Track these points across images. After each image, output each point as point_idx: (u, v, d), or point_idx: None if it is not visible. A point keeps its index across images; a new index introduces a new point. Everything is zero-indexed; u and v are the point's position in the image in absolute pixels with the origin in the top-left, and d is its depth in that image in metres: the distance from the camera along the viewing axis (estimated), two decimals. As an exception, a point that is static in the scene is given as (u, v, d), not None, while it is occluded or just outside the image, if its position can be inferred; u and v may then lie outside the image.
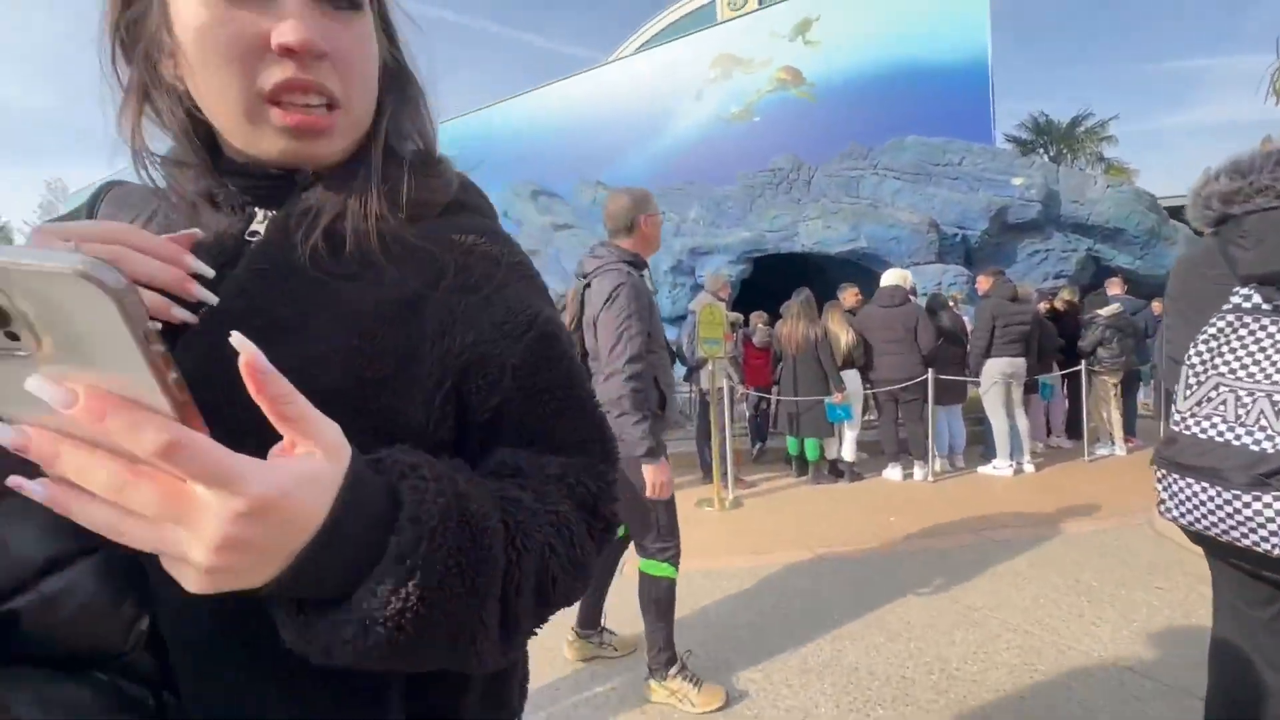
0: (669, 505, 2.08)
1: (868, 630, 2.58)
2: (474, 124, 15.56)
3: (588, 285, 2.08)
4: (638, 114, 14.35)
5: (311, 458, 0.32)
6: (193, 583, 0.29)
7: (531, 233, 13.59)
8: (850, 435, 5.15)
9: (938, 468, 5.16)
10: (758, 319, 6.16)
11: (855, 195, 10.58)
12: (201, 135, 0.49)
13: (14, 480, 0.28)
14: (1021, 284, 5.62)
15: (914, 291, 5.41)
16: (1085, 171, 13.48)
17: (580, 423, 0.53)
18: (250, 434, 0.31)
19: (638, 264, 2.11)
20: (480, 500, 0.40)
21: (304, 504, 0.31)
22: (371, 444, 0.39)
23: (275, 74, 0.44)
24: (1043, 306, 6.09)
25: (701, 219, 11.96)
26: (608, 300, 1.96)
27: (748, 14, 14.89)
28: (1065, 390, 6.12)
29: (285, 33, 0.43)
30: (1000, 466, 5.08)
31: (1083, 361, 5.66)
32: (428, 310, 0.49)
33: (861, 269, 9.51)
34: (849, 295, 5.61)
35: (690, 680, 2.13)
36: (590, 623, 2.47)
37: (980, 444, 5.72)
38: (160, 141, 0.51)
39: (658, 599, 2.13)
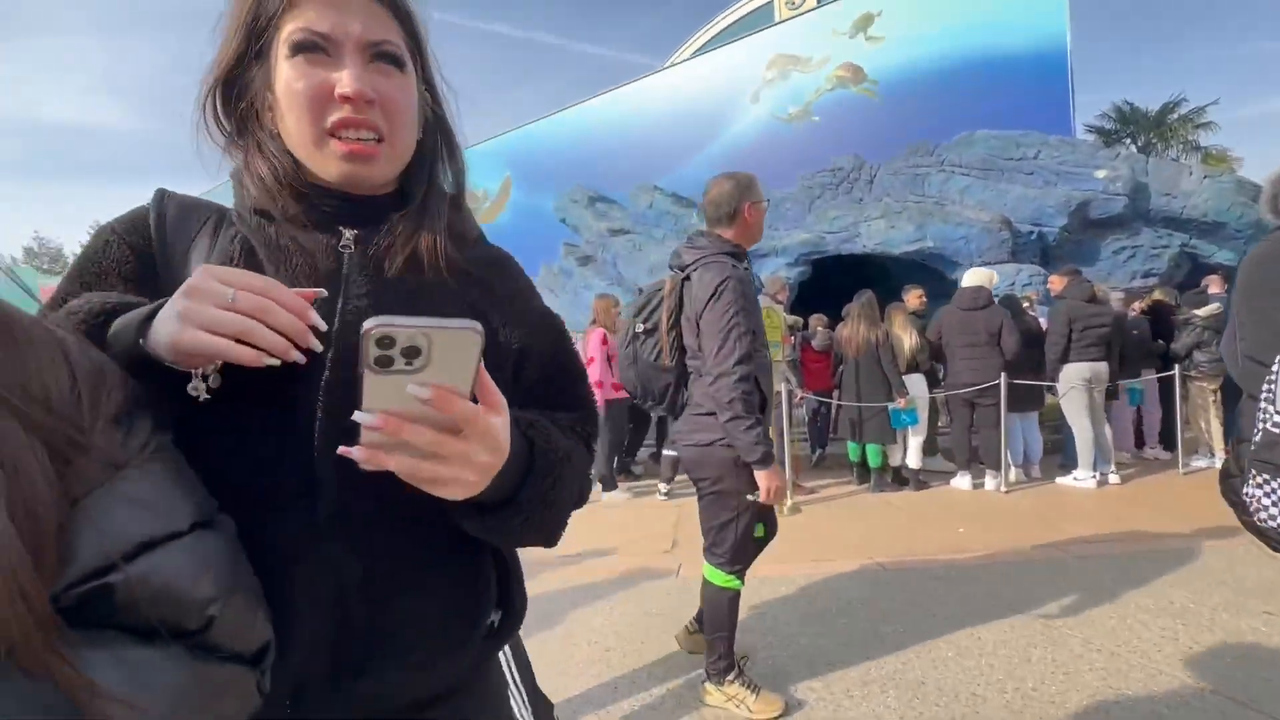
0: (749, 522, 2.00)
1: (934, 643, 2.47)
2: (533, 134, 15.96)
3: (686, 278, 1.98)
4: (694, 118, 14.34)
5: (501, 417, 0.52)
6: (459, 494, 0.51)
7: (589, 238, 13.81)
8: (915, 442, 4.96)
9: (1012, 478, 4.89)
10: (817, 322, 6.03)
11: (920, 194, 10.20)
12: (294, 173, 0.63)
13: (342, 449, 0.46)
14: (1097, 284, 5.25)
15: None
16: (1179, 162, 12.48)
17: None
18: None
19: (739, 255, 1.98)
20: (560, 441, 0.65)
21: (508, 446, 0.53)
22: None
23: (336, 114, 0.59)
24: (1136, 307, 5.68)
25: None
26: (712, 296, 1.85)
27: (806, 12, 14.64)
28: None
29: (344, 84, 0.58)
30: (1082, 477, 4.76)
31: (1177, 367, 5.24)
32: (486, 312, 0.67)
33: (927, 270, 9.16)
34: (913, 297, 5.42)
35: (748, 686, 2.08)
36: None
37: (1057, 454, 5.39)
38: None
39: (720, 607, 2.07)
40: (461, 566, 0.64)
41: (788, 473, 4.66)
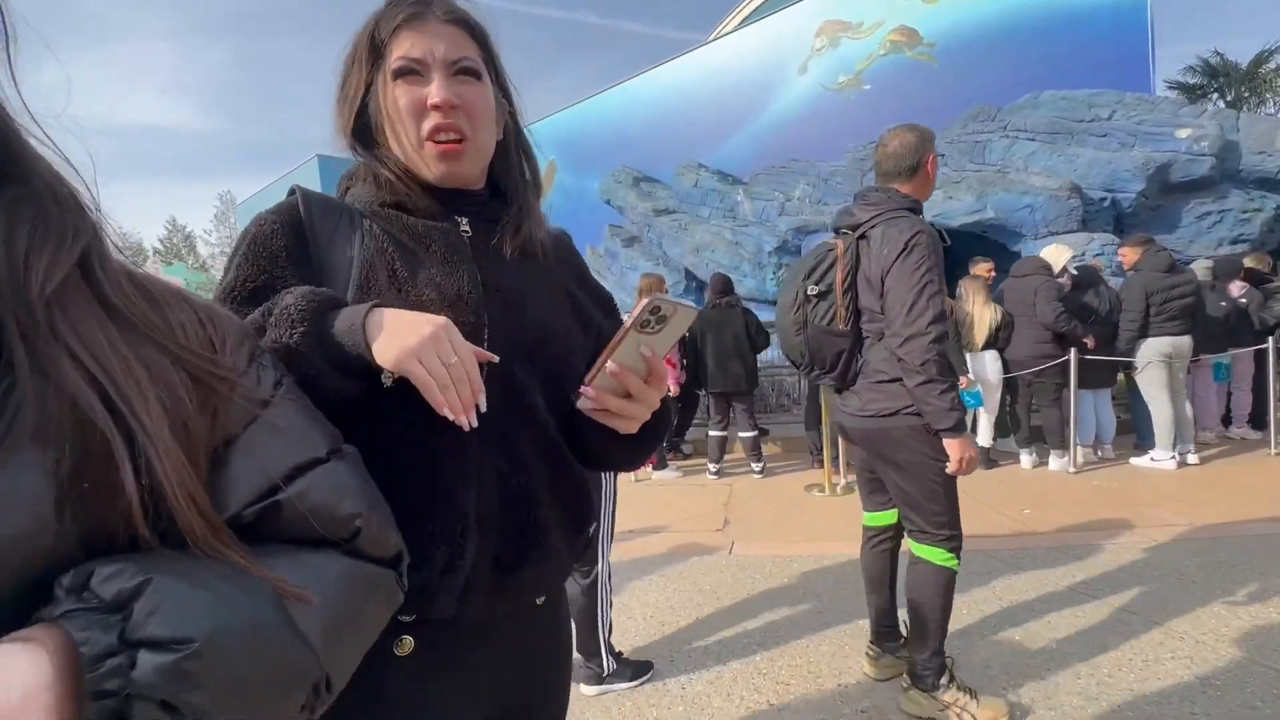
0: (953, 486, 1.84)
1: (1000, 626, 2.39)
2: (577, 115, 15.89)
3: (862, 236, 1.85)
4: (739, 93, 13.95)
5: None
6: (633, 429, 0.72)
7: (634, 218, 13.75)
8: (985, 420, 4.78)
9: (1081, 458, 4.66)
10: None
11: (981, 161, 9.69)
12: (413, 175, 0.76)
13: (582, 389, 0.68)
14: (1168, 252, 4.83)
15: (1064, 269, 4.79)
16: (1276, 117, 11.41)
17: None
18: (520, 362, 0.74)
19: (918, 210, 1.86)
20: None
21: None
22: (576, 358, 0.80)
23: (429, 121, 0.72)
24: (1236, 283, 5.23)
25: (808, 197, 11.51)
26: (903, 252, 1.72)
27: (857, -25, 13.96)
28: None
29: (433, 95, 0.71)
30: (1160, 458, 4.49)
31: (1271, 340, 4.85)
32: (574, 290, 0.86)
33: (989, 242, 8.73)
34: (982, 268, 5.03)
35: (966, 691, 1.86)
36: (889, 634, 2.13)
37: (1129, 434, 5.09)
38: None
39: (938, 592, 1.83)
40: (575, 484, 0.80)
41: (840, 452, 4.57)
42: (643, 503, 4.51)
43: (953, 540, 1.84)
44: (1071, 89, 9.52)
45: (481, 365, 0.68)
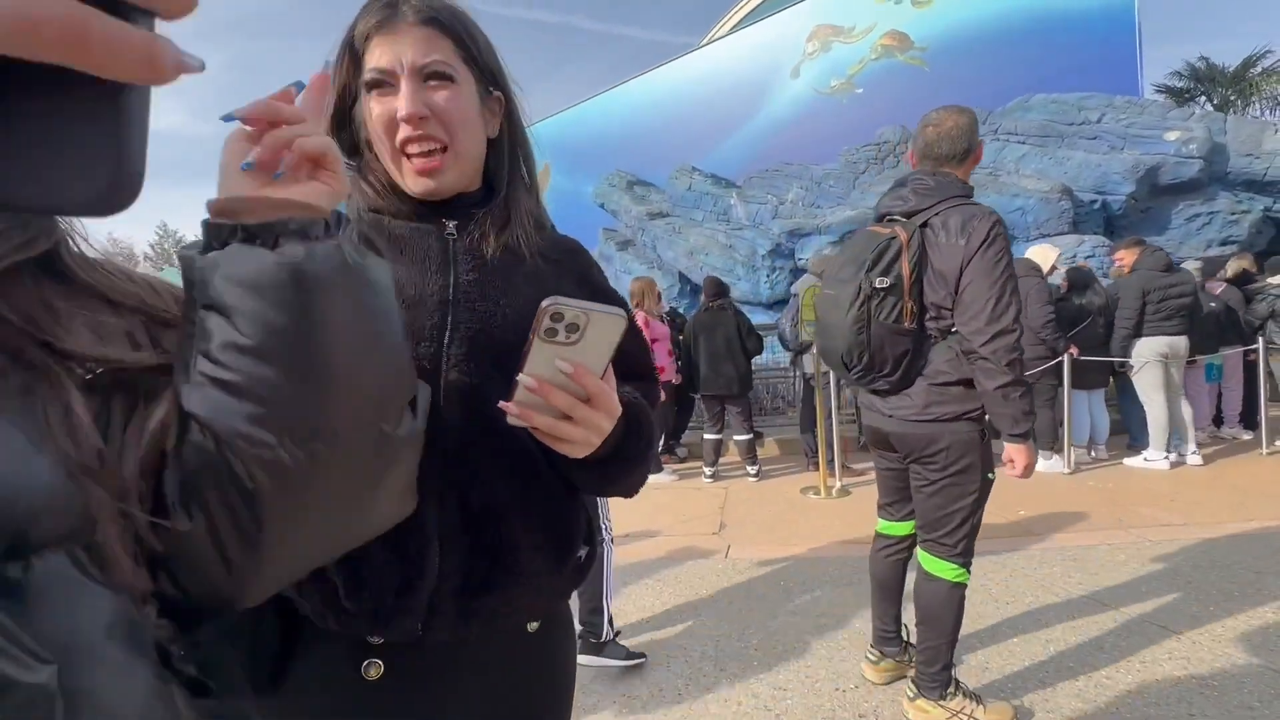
0: (984, 502, 1.79)
1: (997, 628, 2.39)
2: (571, 119, 15.91)
3: (925, 225, 1.72)
4: (732, 97, 14.02)
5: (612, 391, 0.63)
6: (579, 453, 0.64)
7: (628, 222, 13.77)
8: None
9: (1075, 458, 4.67)
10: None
11: (972, 164, 9.74)
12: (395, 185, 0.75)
13: (502, 404, 0.59)
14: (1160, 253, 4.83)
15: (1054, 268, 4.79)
16: (1262, 119, 11.54)
17: (646, 359, 0.90)
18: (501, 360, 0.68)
19: (972, 198, 1.76)
20: (647, 411, 0.76)
21: (619, 414, 0.65)
22: None
23: (402, 133, 0.69)
24: (1220, 277, 5.26)
25: (800, 200, 11.54)
26: (986, 242, 1.61)
27: (848, -21, 14.06)
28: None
29: (400, 108, 0.68)
30: (1154, 458, 4.51)
31: (1260, 340, 4.88)
32: (568, 290, 0.74)
33: (981, 244, 8.77)
34: None
35: (971, 697, 1.84)
36: (892, 639, 2.09)
37: (1122, 434, 5.11)
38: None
39: (949, 607, 1.80)
40: (560, 505, 0.76)
41: (835, 455, 4.57)
42: (638, 506, 4.49)
43: (967, 556, 1.81)
44: (1061, 92, 9.62)
45: (439, 372, 0.67)
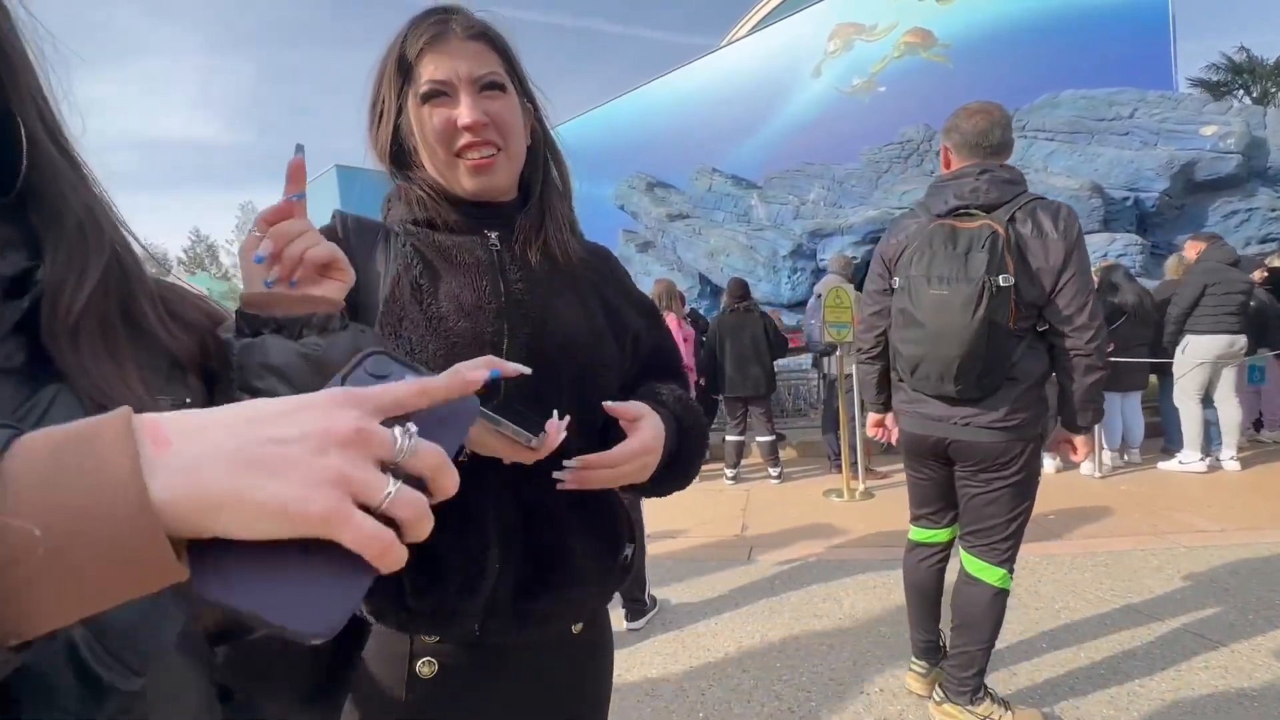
0: (1031, 508, 1.77)
1: (1025, 634, 2.35)
2: (590, 122, 16.00)
3: (1011, 219, 1.62)
4: (752, 97, 13.96)
5: (648, 421, 0.73)
6: (643, 478, 0.73)
7: (648, 224, 13.79)
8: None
9: (1108, 462, 4.56)
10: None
11: (999, 162, 9.56)
12: (444, 192, 0.78)
13: (560, 484, 0.69)
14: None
15: None
16: (1304, 112, 11.13)
17: (677, 361, 0.94)
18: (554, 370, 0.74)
19: None
20: (697, 413, 0.83)
21: (659, 444, 0.73)
22: (606, 368, 0.80)
23: (461, 140, 0.73)
24: (1256, 276, 5.10)
25: (822, 200, 11.46)
26: (1079, 236, 1.58)
27: (870, -23, 13.91)
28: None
29: (463, 116, 0.72)
30: (1189, 461, 4.38)
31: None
32: (605, 294, 0.84)
33: (1007, 243, 8.60)
34: None
35: (1000, 704, 1.82)
36: (936, 649, 2.03)
37: (1158, 436, 4.98)
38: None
39: (992, 611, 1.76)
40: (604, 508, 0.80)
41: (859, 457, 4.53)
42: (660, 507, 4.50)
43: (1012, 562, 1.77)
44: (1091, 88, 9.39)
45: (504, 380, 0.68)
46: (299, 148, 0.54)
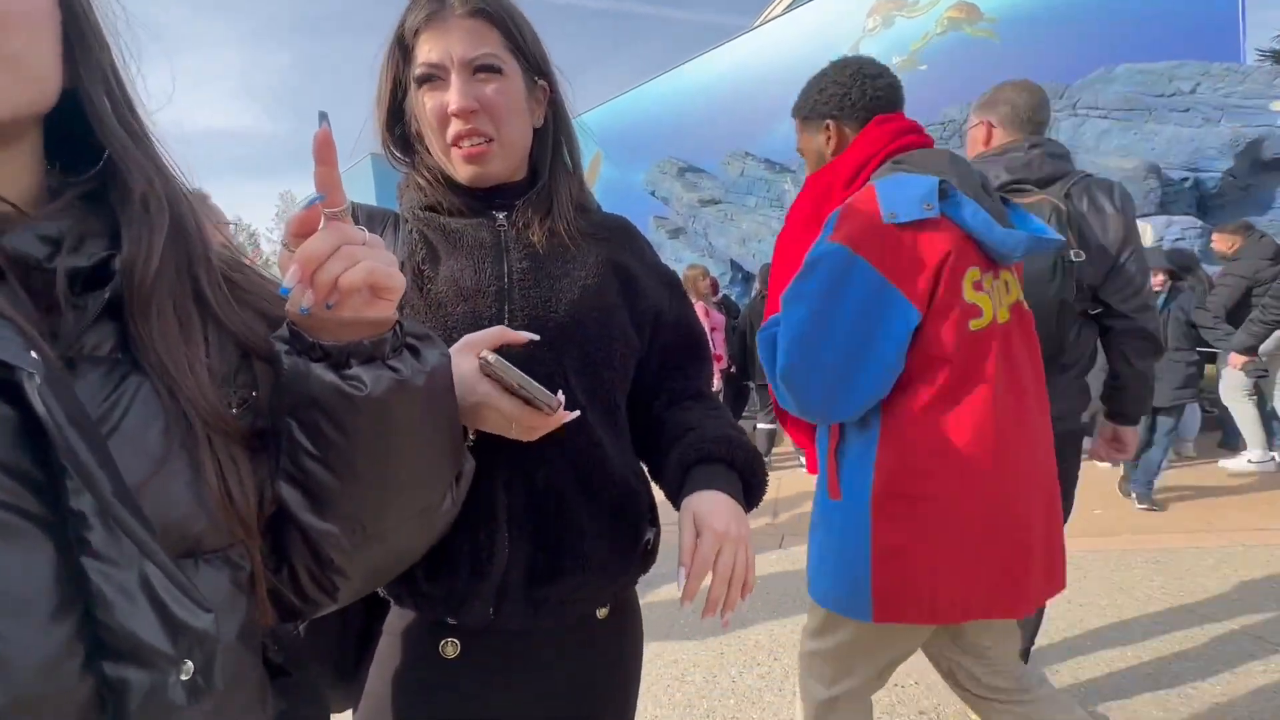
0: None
1: (1069, 632, 2.28)
2: (621, 107, 15.87)
3: (1067, 195, 1.54)
4: (787, 78, 13.56)
5: (705, 538, 0.69)
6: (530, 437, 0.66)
7: (679, 210, 13.68)
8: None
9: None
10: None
11: (1047, 142, 9.16)
12: (446, 176, 0.77)
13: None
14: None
15: None
16: (1386, 83, 10.35)
17: (704, 350, 0.91)
18: (567, 348, 0.73)
19: None
20: (740, 440, 0.79)
21: (731, 521, 0.71)
22: (620, 342, 0.77)
23: (453, 128, 0.71)
24: None
25: (859, 184, 11.15)
26: (1134, 213, 1.53)
27: (912, -50, 13.38)
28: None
29: (451, 103, 0.69)
30: (1260, 460, 4.15)
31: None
32: (616, 267, 0.80)
33: (1055, 227, 8.27)
34: None
35: None
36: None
37: (1216, 431, 4.75)
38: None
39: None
40: (620, 491, 0.77)
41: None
42: (690, 495, 4.50)
43: None
44: (1150, 61, 8.89)
45: (511, 348, 0.67)
46: (322, 116, 0.51)
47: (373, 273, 0.44)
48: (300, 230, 0.45)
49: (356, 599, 0.55)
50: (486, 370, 0.60)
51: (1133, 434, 1.67)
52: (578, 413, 0.63)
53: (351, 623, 0.78)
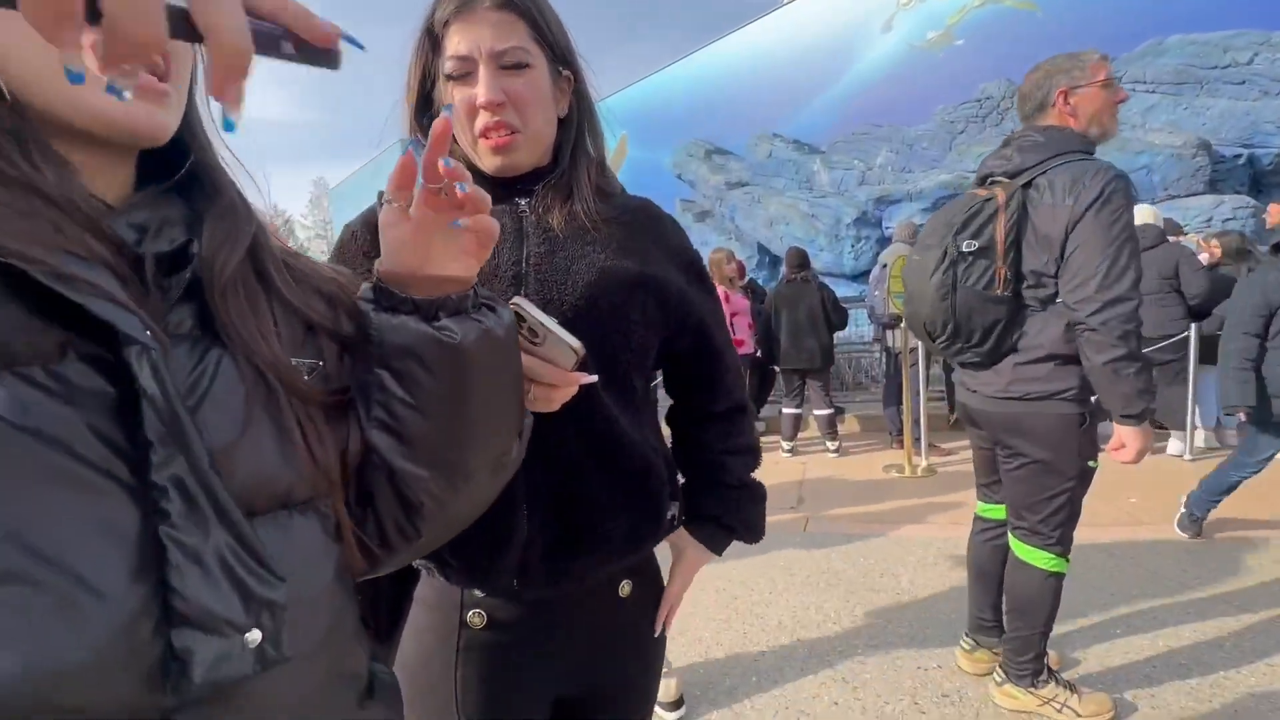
0: (1083, 491, 1.67)
1: (1099, 620, 2.26)
2: (647, 89, 15.69)
3: (1029, 184, 1.59)
4: (817, 56, 13.29)
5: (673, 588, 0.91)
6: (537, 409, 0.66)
7: (705, 192, 13.56)
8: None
9: (1200, 443, 4.24)
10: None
11: (1090, 119, 8.80)
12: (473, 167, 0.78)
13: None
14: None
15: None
16: None
17: (729, 359, 0.92)
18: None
19: (1091, 152, 1.59)
20: (740, 501, 0.96)
21: (694, 570, 0.92)
22: (637, 325, 0.78)
23: (481, 120, 0.73)
24: None
25: (890, 164, 10.92)
26: (1099, 200, 1.46)
27: (950, -81, 12.84)
28: None
29: (479, 96, 0.72)
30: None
31: None
32: (636, 250, 0.81)
33: (1096, 207, 7.97)
34: None
35: (1067, 687, 1.76)
36: (990, 629, 1.98)
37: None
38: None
39: (1043, 596, 1.69)
40: (641, 466, 0.79)
41: (922, 433, 4.39)
42: (714, 478, 4.53)
43: (1064, 544, 1.68)
44: (1203, 31, 8.44)
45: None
46: (412, 143, 0.54)
47: (494, 226, 0.51)
48: (402, 182, 0.49)
49: (432, 549, 0.58)
50: (516, 310, 0.62)
51: (1132, 434, 1.55)
52: (595, 378, 0.65)
53: (384, 592, 0.82)
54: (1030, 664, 1.74)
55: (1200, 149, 7.53)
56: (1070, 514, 1.66)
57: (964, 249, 1.63)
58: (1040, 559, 1.69)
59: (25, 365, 0.31)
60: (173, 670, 0.33)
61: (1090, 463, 1.64)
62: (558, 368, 0.63)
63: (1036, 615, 1.71)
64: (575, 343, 0.62)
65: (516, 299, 0.62)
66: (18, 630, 0.28)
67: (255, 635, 0.36)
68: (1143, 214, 4.29)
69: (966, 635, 2.03)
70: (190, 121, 0.45)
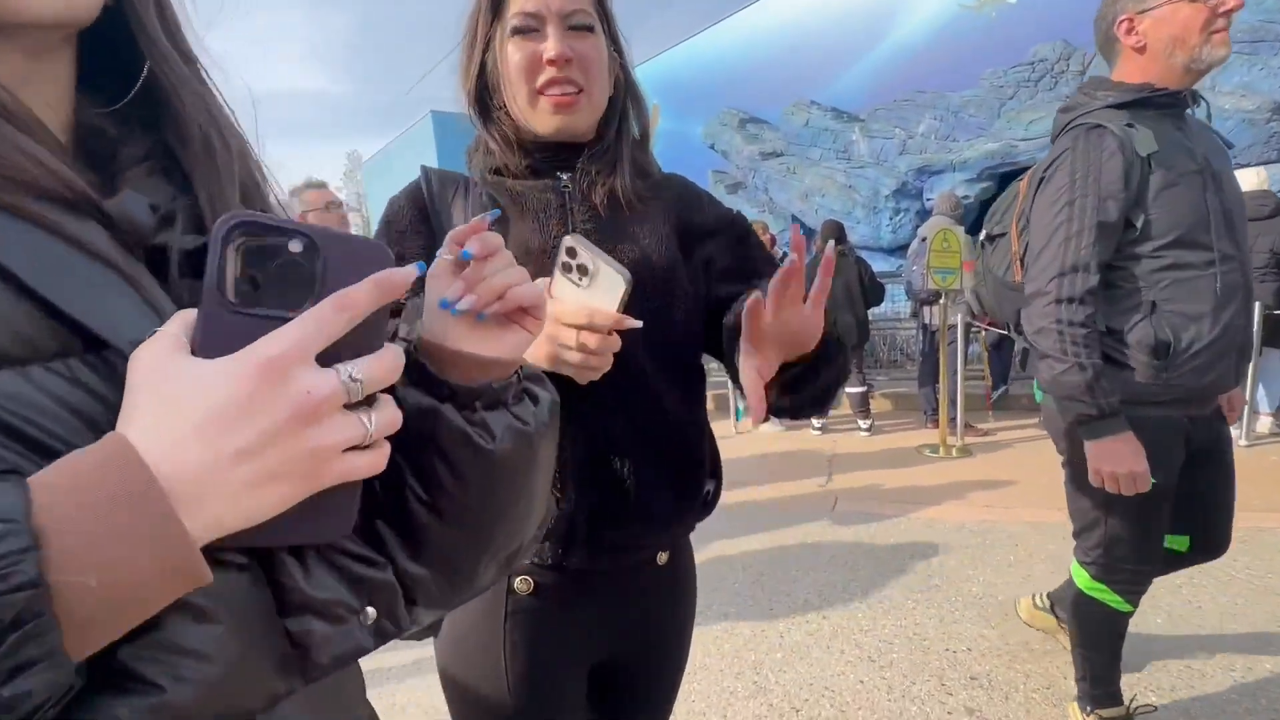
0: (1130, 509, 1.36)
1: (1141, 610, 2.19)
2: (679, 57, 15.29)
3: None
4: (857, 19, 12.71)
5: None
6: (582, 378, 0.68)
7: (739, 163, 13.27)
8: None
9: (1261, 428, 4.05)
10: (1003, 245, 5.29)
11: (1152, 82, 8.26)
12: (521, 138, 0.80)
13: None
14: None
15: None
16: None
17: (761, 260, 0.89)
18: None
19: (1149, 103, 1.27)
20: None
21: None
22: (681, 300, 0.79)
23: (544, 76, 0.74)
24: None
25: (933, 132, 10.48)
26: (1043, 180, 1.35)
27: None
28: None
29: (549, 50, 0.73)
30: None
31: None
32: (677, 224, 0.83)
33: (1154, 177, 7.53)
34: None
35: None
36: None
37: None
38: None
39: (1087, 620, 1.54)
40: (680, 441, 0.81)
41: (959, 413, 4.29)
42: (742, 452, 4.52)
43: (1103, 569, 1.45)
44: (1285, -17, 7.78)
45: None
46: (495, 212, 0.48)
47: (540, 295, 0.44)
48: (462, 239, 0.43)
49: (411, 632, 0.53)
50: (570, 245, 0.64)
51: (1092, 450, 1.32)
52: (639, 323, 0.65)
53: None
54: (1082, 684, 1.60)
55: (1274, 113, 7.01)
56: (1109, 537, 1.43)
57: (991, 233, 1.58)
58: (1082, 580, 1.52)
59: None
60: (297, 655, 0.34)
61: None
62: (605, 310, 0.64)
63: (1086, 638, 1.57)
64: (625, 273, 0.63)
65: (569, 236, 0.64)
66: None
67: (370, 613, 0.37)
68: (1250, 177, 4.00)
69: (1045, 594, 1.98)
70: (146, 28, 0.37)
